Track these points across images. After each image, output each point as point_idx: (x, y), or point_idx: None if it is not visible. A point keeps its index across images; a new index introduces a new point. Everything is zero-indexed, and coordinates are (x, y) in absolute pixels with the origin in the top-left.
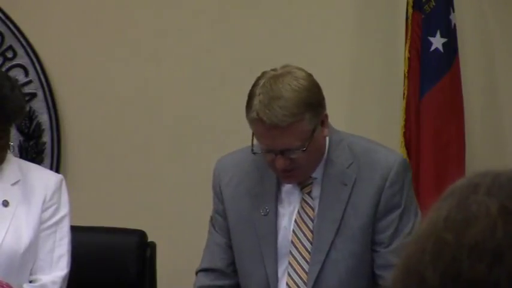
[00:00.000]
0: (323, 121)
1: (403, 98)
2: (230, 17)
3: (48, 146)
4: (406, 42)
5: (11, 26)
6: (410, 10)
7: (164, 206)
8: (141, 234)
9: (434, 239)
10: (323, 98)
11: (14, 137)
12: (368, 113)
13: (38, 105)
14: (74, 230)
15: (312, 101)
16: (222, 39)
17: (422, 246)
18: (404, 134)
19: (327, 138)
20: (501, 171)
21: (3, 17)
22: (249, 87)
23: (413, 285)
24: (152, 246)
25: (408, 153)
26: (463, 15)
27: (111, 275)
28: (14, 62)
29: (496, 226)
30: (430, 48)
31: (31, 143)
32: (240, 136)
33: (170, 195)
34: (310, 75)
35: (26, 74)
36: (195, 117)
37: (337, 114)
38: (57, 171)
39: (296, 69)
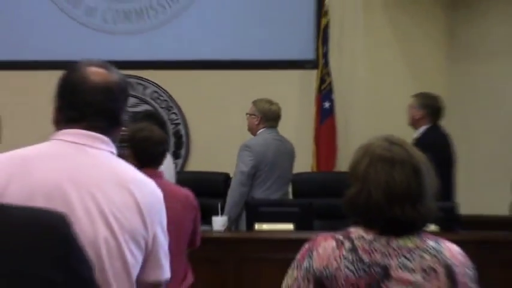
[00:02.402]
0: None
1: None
2: None
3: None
4: (315, 105)
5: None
6: (316, 93)
7: None
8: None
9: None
10: (259, 112)
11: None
12: (297, 128)
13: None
14: None
15: (259, 107)
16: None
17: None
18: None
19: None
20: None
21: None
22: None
23: (363, 199)
24: None
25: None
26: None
27: None
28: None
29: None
30: (324, 106)
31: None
32: None
33: None
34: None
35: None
36: None
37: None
38: None
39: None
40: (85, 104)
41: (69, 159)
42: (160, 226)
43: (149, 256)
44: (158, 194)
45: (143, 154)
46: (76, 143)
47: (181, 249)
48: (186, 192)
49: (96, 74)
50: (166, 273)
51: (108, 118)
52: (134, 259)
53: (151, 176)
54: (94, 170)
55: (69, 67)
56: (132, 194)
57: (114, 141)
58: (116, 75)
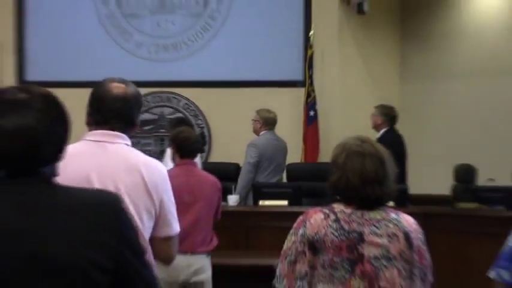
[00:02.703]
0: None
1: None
2: None
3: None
4: (303, 113)
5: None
6: (304, 104)
7: None
8: None
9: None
10: (261, 118)
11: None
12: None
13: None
14: None
15: (261, 114)
16: None
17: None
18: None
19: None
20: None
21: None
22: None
23: (343, 183)
24: None
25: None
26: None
27: None
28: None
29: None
30: (309, 114)
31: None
32: None
33: None
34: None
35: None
36: None
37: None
38: None
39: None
40: (108, 110)
41: (93, 155)
42: (166, 195)
43: (158, 219)
44: (162, 171)
45: (183, 149)
46: (99, 141)
47: (209, 219)
48: (214, 178)
49: (116, 88)
50: (174, 230)
51: (125, 120)
52: (144, 225)
53: (188, 164)
54: (112, 161)
55: (98, 83)
56: (141, 174)
57: (130, 136)
58: (132, 88)
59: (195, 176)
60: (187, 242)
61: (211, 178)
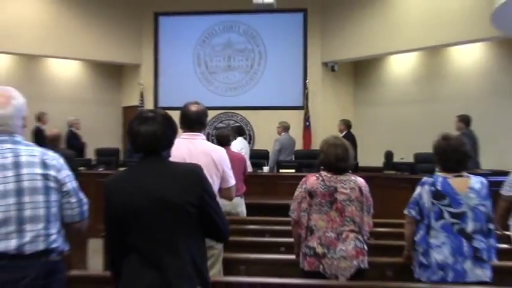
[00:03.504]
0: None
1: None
2: None
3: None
4: (303, 123)
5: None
6: (303, 118)
7: None
8: None
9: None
10: (281, 126)
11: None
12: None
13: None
14: None
15: (281, 124)
16: None
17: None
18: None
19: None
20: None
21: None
22: None
23: (326, 161)
24: None
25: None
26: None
27: None
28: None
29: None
30: (306, 124)
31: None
32: None
33: None
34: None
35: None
36: None
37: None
38: None
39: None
40: (190, 120)
41: (185, 147)
42: (225, 166)
43: (222, 179)
44: (223, 153)
45: (221, 142)
46: (188, 138)
47: (240, 179)
48: (240, 155)
49: (193, 106)
50: (230, 183)
51: (200, 125)
52: (214, 182)
53: (227, 149)
54: (195, 149)
55: (184, 105)
56: (211, 156)
57: (203, 133)
58: (202, 106)
59: (228, 156)
60: None
61: (238, 155)
